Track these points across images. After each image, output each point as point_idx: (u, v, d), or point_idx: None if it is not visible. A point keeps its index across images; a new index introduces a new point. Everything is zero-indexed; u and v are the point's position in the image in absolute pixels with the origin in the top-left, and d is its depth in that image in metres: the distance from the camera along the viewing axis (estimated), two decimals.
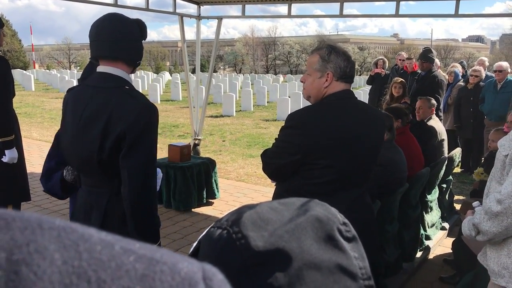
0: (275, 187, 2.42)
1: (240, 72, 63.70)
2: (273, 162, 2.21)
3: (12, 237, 0.26)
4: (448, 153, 5.12)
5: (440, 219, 4.88)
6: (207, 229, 0.54)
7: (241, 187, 6.63)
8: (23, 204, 4.52)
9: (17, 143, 3.95)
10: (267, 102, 18.74)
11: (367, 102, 10.08)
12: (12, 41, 51.98)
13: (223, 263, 0.47)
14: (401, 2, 6.13)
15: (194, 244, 0.55)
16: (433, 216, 4.64)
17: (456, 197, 5.92)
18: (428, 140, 4.68)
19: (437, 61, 7.22)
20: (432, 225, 4.62)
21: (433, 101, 5.10)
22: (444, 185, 5.07)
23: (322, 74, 2.14)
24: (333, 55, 2.13)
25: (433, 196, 4.60)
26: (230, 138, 10.89)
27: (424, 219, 4.44)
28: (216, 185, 5.94)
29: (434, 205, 4.70)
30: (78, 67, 66.14)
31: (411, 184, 3.82)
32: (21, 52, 56.28)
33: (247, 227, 0.48)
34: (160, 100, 19.26)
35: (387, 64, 9.61)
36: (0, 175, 3.79)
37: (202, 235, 0.55)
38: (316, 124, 2.09)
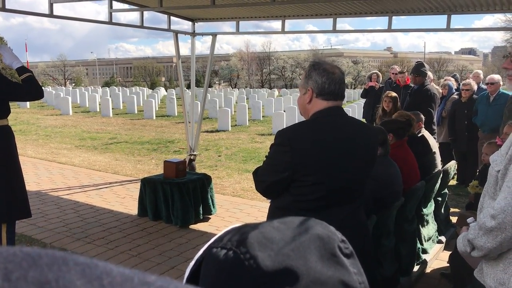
0: (270, 203, 2.42)
1: (235, 87, 63.90)
2: (264, 180, 2.22)
3: (41, 273, 0.27)
4: (443, 166, 5.14)
5: (437, 233, 4.88)
6: (207, 249, 0.54)
7: (237, 203, 6.61)
8: (18, 223, 4.50)
9: (15, 162, 3.93)
10: (262, 116, 18.79)
11: (361, 115, 10.14)
12: None
13: (232, 284, 0.48)
14: (393, 17, 6.23)
15: (191, 265, 0.55)
16: (429, 229, 4.63)
17: (452, 210, 5.92)
18: (425, 155, 4.71)
19: (430, 74, 7.29)
20: (429, 239, 4.61)
21: (421, 115, 5.13)
22: (440, 198, 5.08)
23: (305, 91, 2.18)
24: (313, 71, 2.14)
25: (429, 210, 4.60)
26: (226, 153, 10.89)
27: (421, 233, 4.43)
28: (212, 201, 5.92)
29: (430, 218, 4.69)
30: (73, 84, 66.17)
31: (406, 198, 3.82)
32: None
33: (254, 247, 0.49)
34: (156, 116, 19.29)
35: (381, 78, 9.69)
36: (0, 194, 3.76)
37: (198, 255, 0.55)
38: (303, 142, 2.09)
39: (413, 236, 4.13)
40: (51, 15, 5.46)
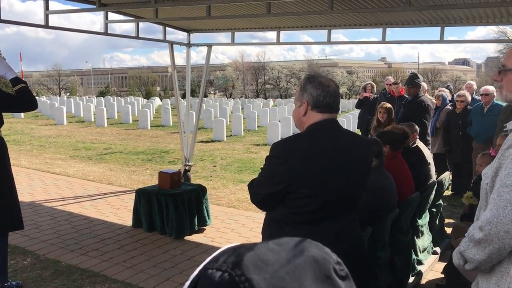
0: (265, 215, 2.42)
1: (230, 97, 64.03)
2: (259, 192, 2.22)
3: None
4: (437, 177, 5.15)
5: (432, 244, 4.88)
6: (202, 270, 0.53)
7: (232, 214, 6.59)
8: (11, 234, 4.46)
9: (8, 173, 3.91)
10: (258, 126, 18.82)
11: (356, 125, 10.19)
12: None
13: None
14: (387, 28, 6.28)
15: (187, 285, 0.55)
16: (424, 240, 4.64)
17: (446, 221, 5.93)
18: (420, 166, 4.72)
19: (424, 85, 7.34)
20: (424, 250, 4.61)
21: (416, 127, 5.16)
22: (435, 209, 5.09)
23: (301, 104, 2.20)
24: (308, 84, 2.17)
25: (423, 221, 4.61)
26: (221, 163, 10.88)
27: (416, 244, 4.43)
28: (207, 212, 5.90)
29: (425, 229, 4.70)
30: (68, 93, 66.06)
31: (401, 209, 3.83)
32: None
33: (249, 270, 0.49)
34: (151, 126, 19.27)
35: (375, 89, 9.75)
36: None
37: (194, 274, 0.55)
38: (298, 154, 2.10)
39: (408, 247, 4.13)
40: (46, 26, 5.47)
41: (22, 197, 6.89)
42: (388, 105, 6.14)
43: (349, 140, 2.25)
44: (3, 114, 3.97)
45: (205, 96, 47.68)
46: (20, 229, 4.09)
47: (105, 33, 6.25)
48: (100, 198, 7.39)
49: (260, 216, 6.09)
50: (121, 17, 6.60)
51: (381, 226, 3.52)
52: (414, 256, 4.32)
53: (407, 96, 6.86)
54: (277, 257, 0.51)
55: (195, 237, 5.56)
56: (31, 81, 74.53)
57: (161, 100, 38.41)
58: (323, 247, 0.55)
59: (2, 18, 4.97)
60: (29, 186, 8.14)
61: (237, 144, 14.19)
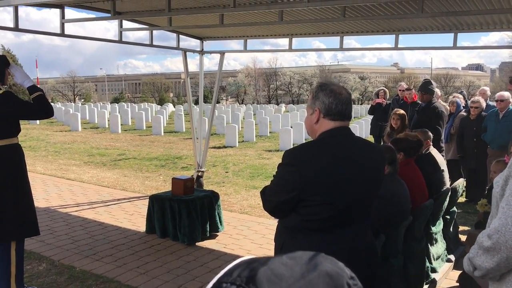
0: (277, 222, 2.43)
1: (242, 103, 64.11)
2: (272, 200, 2.23)
3: None
4: (451, 184, 5.11)
5: (446, 251, 4.83)
6: (216, 283, 0.54)
7: (245, 220, 6.60)
8: (27, 240, 4.52)
9: (24, 178, 3.97)
10: (270, 132, 18.82)
11: (369, 132, 10.15)
12: None
13: None
14: (400, 34, 6.27)
15: None
16: (438, 248, 4.60)
17: (461, 228, 5.87)
18: (434, 173, 4.69)
19: (437, 91, 7.29)
20: (438, 258, 4.57)
21: (429, 133, 5.12)
22: (448, 217, 5.04)
23: (313, 111, 2.21)
24: (320, 92, 2.18)
25: (437, 228, 4.57)
26: (233, 169, 10.90)
27: (430, 252, 4.39)
28: (220, 218, 5.92)
29: (439, 237, 4.66)
30: (83, 100, 66.74)
31: (415, 216, 3.80)
32: None
33: (264, 285, 0.50)
34: (164, 132, 19.39)
35: (388, 95, 9.71)
36: (9, 212, 3.80)
37: (208, 287, 0.56)
38: (310, 162, 2.11)
39: (422, 255, 4.10)
40: (62, 34, 5.56)
41: (38, 203, 6.97)
42: (402, 111, 6.10)
43: (361, 148, 2.25)
44: (20, 121, 4.04)
45: (218, 102, 47.88)
46: (36, 235, 4.14)
47: (120, 41, 6.33)
48: (114, 204, 7.45)
49: (272, 222, 6.08)
50: (136, 25, 6.68)
51: (394, 233, 3.51)
52: (428, 264, 4.29)
53: (420, 102, 6.82)
54: (291, 272, 0.51)
55: (208, 243, 5.58)
56: (47, 87, 75.36)
57: (174, 106, 38.60)
58: (337, 262, 0.56)
59: (19, 27, 5.07)
60: (44, 192, 8.24)
61: (249, 150, 14.21)
